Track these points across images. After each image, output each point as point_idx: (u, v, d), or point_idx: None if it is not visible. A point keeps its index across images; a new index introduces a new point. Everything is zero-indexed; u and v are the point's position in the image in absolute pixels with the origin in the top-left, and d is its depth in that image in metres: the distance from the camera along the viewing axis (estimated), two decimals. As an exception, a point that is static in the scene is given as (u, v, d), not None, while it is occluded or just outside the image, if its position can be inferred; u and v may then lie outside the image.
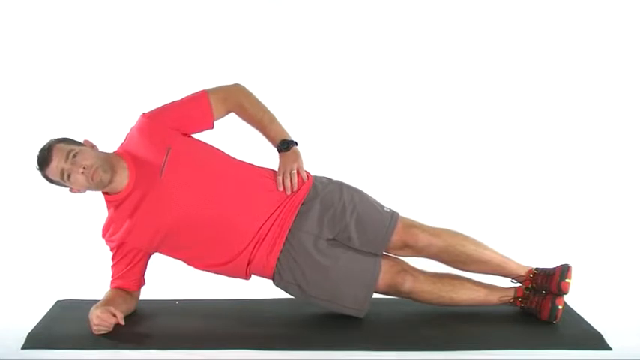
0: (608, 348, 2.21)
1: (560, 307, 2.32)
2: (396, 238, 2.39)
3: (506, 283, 2.48)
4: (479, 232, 3.35)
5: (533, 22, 3.70)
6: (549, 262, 2.45)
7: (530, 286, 2.42)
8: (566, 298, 2.38)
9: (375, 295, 2.40)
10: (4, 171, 3.53)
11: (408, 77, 3.72)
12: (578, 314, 2.44)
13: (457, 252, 2.41)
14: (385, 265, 2.38)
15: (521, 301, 2.43)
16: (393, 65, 3.73)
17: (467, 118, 3.72)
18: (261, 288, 2.64)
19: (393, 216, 2.42)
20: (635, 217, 3.42)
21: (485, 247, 2.44)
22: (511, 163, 3.65)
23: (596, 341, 2.24)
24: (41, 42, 3.65)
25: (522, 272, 2.44)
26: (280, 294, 2.60)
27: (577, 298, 2.50)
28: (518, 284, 2.45)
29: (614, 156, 3.57)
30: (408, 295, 2.41)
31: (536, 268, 2.43)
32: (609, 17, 3.65)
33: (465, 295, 2.42)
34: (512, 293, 2.45)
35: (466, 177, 3.61)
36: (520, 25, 3.70)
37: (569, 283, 2.34)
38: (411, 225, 2.42)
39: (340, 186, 2.45)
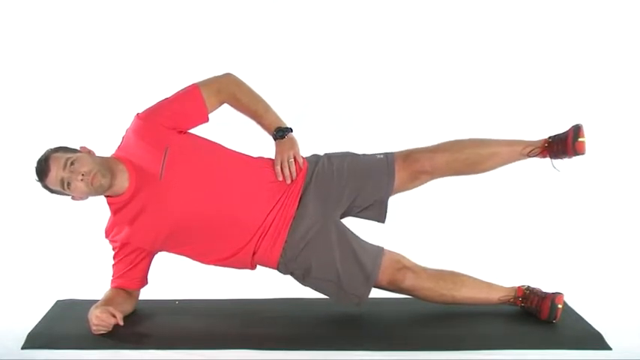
0: (608, 348, 2.21)
1: (559, 306, 2.32)
2: (402, 173, 2.41)
3: (506, 282, 2.48)
4: (479, 233, 3.38)
5: (534, 19, 3.69)
6: (549, 263, 2.45)
7: (548, 155, 2.45)
8: (566, 298, 2.38)
9: (376, 295, 2.40)
10: (3, 171, 3.52)
11: (405, 65, 3.70)
12: (578, 314, 2.44)
13: (465, 155, 2.43)
14: (386, 262, 2.37)
15: (522, 301, 2.43)
16: (391, 52, 3.72)
17: (467, 105, 3.71)
18: (261, 288, 2.65)
19: (388, 157, 2.44)
20: (635, 217, 3.41)
21: (488, 140, 2.47)
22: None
23: (596, 341, 2.24)
24: (32, 46, 3.64)
25: (538, 144, 2.46)
26: (280, 294, 2.61)
27: (577, 298, 2.50)
28: (536, 157, 2.47)
29: (614, 156, 3.57)
30: (409, 292, 2.41)
31: (550, 137, 2.45)
32: (609, 17, 3.65)
33: (466, 294, 2.42)
34: (512, 293, 2.45)
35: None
36: (521, 20, 3.69)
37: (584, 142, 2.36)
38: (409, 154, 2.44)
39: (328, 158, 2.47)
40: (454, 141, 2.47)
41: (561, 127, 2.45)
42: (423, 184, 2.48)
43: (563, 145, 2.40)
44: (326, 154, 2.50)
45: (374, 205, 2.44)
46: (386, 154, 2.47)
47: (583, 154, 2.38)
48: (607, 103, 3.66)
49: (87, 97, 3.64)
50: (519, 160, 2.49)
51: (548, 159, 2.47)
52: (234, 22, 3.68)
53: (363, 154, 2.50)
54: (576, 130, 2.39)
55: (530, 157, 2.48)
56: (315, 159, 2.47)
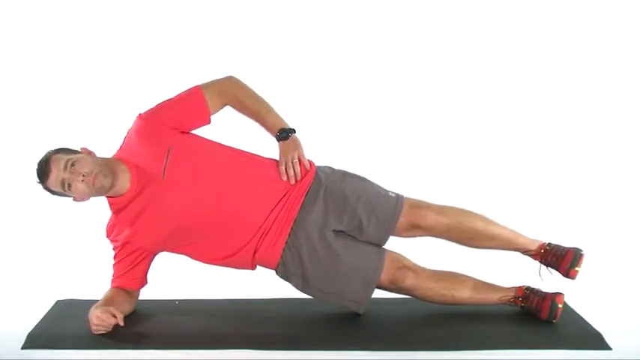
0: (608, 348, 2.21)
1: (560, 306, 2.32)
2: (403, 219, 2.40)
3: (507, 282, 2.48)
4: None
5: (535, 18, 3.69)
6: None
7: (540, 260, 2.43)
8: (566, 298, 2.38)
9: (376, 295, 2.40)
10: (4, 171, 3.52)
11: (408, 66, 3.70)
12: (578, 314, 2.44)
13: (465, 228, 2.42)
14: (387, 262, 2.38)
15: (522, 301, 2.43)
16: (395, 54, 3.72)
17: (469, 107, 3.70)
18: (261, 288, 2.65)
19: (399, 198, 2.43)
20: (635, 217, 3.41)
21: (494, 223, 2.46)
22: (511, 160, 3.64)
23: (596, 341, 2.24)
24: (33, 47, 3.64)
25: (533, 247, 2.45)
26: (280, 294, 2.61)
27: (577, 298, 2.50)
28: (528, 257, 2.46)
29: (613, 156, 3.57)
30: (409, 292, 2.41)
31: (549, 244, 2.44)
32: (610, 16, 3.65)
33: (466, 294, 2.42)
34: (512, 293, 2.45)
35: (466, 173, 3.61)
36: (524, 18, 3.70)
37: (578, 271, 2.36)
38: (418, 205, 2.43)
39: (343, 175, 2.46)
40: (462, 210, 2.45)
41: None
42: (412, 237, 2.47)
43: (558, 263, 2.39)
44: (342, 170, 2.49)
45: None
46: (397, 196, 2.44)
47: (573, 280, 2.38)
48: (607, 103, 3.66)
49: (88, 98, 3.64)
50: (512, 251, 2.49)
51: (537, 262, 2.46)
52: (236, 24, 3.68)
53: (378, 185, 2.48)
54: (576, 257, 2.37)
55: (523, 254, 2.48)
56: (329, 170, 2.47)
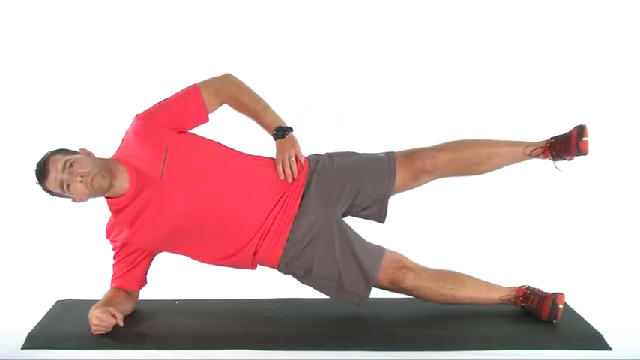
0: (608, 348, 2.21)
1: (560, 306, 2.32)
2: (403, 171, 2.42)
3: (507, 282, 2.48)
4: (479, 233, 3.37)
5: (534, 19, 3.69)
6: (549, 263, 2.44)
7: (551, 156, 2.45)
8: (567, 298, 2.38)
9: (376, 295, 2.41)
10: (4, 173, 3.52)
11: (406, 64, 3.70)
12: (578, 314, 2.44)
13: (467, 155, 2.44)
14: (387, 261, 2.37)
15: (522, 301, 2.43)
16: (392, 52, 3.71)
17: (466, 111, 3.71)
18: (261, 288, 2.65)
19: (390, 156, 2.46)
20: (635, 217, 3.41)
21: (490, 140, 2.48)
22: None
23: (596, 341, 2.24)
24: (32, 47, 3.63)
25: (540, 145, 2.47)
26: (280, 294, 2.61)
27: (577, 298, 2.50)
28: (538, 157, 2.48)
29: (613, 156, 3.57)
30: (409, 292, 2.41)
31: (552, 137, 2.46)
32: (610, 17, 3.65)
33: (466, 294, 2.42)
34: (513, 292, 2.45)
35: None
36: (522, 20, 3.69)
37: (587, 142, 2.36)
38: (411, 152, 2.46)
39: (330, 157, 2.48)
40: (456, 141, 2.48)
41: (562, 129, 2.45)
42: (424, 183, 2.48)
43: (567, 144, 2.40)
44: (327, 153, 2.51)
45: (374, 205, 2.44)
46: (387, 153, 2.47)
47: (586, 154, 2.38)
48: (606, 103, 3.66)
49: (87, 98, 3.63)
50: (521, 160, 2.50)
51: (549, 160, 2.48)
52: (234, 21, 3.68)
53: (365, 153, 2.51)
54: (580, 130, 2.39)
55: (532, 157, 2.48)
56: (316, 158, 2.48)
